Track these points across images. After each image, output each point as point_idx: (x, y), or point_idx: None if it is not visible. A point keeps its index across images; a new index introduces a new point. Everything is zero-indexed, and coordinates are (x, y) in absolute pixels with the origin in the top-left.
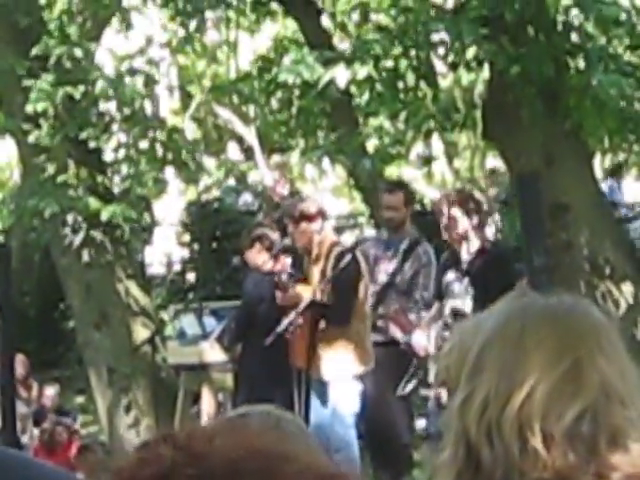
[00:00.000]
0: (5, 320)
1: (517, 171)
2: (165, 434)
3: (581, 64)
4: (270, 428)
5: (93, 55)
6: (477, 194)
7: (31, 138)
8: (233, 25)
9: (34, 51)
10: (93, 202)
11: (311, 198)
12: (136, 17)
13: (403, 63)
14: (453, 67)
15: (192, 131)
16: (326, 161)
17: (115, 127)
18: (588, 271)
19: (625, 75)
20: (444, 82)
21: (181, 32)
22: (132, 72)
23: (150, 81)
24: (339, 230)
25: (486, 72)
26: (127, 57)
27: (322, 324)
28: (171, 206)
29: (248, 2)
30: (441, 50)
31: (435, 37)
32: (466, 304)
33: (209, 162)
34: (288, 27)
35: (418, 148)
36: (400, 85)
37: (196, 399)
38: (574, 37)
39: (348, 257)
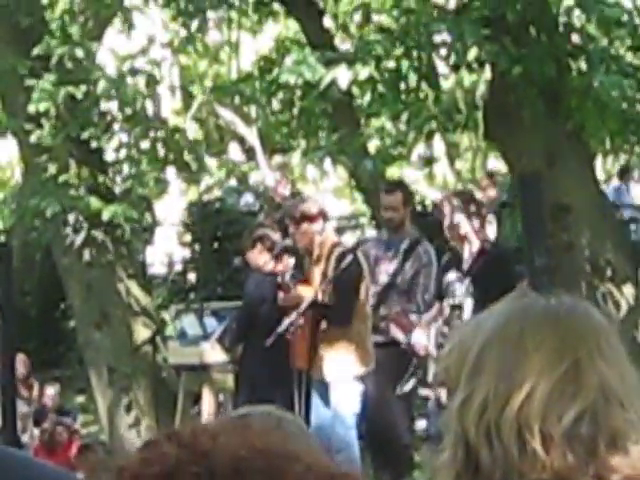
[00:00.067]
0: (6, 320)
1: (519, 172)
2: (169, 432)
3: (583, 65)
4: (272, 428)
5: (94, 55)
6: (478, 195)
7: (33, 138)
8: (235, 25)
9: (36, 51)
10: (94, 202)
11: (312, 199)
12: (138, 17)
13: (405, 64)
14: (455, 68)
15: (194, 131)
16: (327, 162)
17: (117, 127)
18: (589, 272)
19: (627, 76)
20: (446, 83)
21: (183, 32)
22: (134, 72)
23: (152, 81)
24: (340, 231)
25: (488, 73)
26: (129, 57)
27: (323, 325)
28: (172, 206)
29: (250, 2)
30: (443, 51)
31: (437, 38)
32: (467, 304)
33: (210, 162)
34: (290, 28)
35: (420, 149)
36: (402, 86)
37: (197, 399)
38: (576, 38)
39: (349, 258)
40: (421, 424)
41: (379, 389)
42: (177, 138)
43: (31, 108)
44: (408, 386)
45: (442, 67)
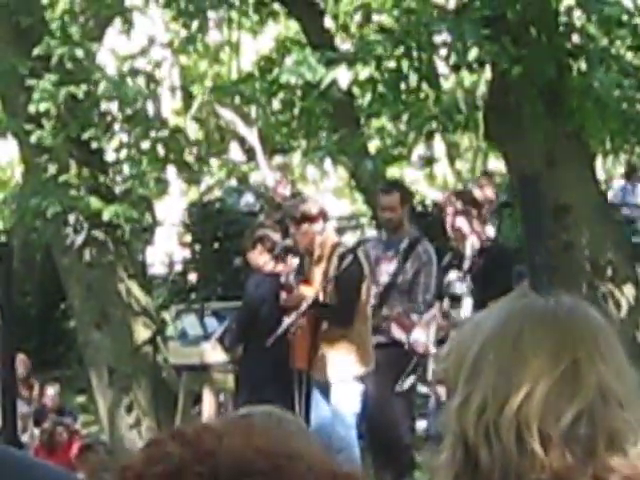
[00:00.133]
0: (6, 320)
1: (519, 172)
2: (173, 431)
3: (583, 65)
4: (274, 428)
5: (94, 55)
6: (478, 194)
7: (33, 138)
8: (235, 26)
9: (36, 51)
10: (95, 202)
11: (312, 199)
12: (138, 17)
13: (405, 64)
14: (455, 68)
15: (194, 131)
16: (328, 162)
17: (117, 127)
18: (589, 272)
19: (627, 76)
20: (446, 83)
21: (183, 32)
22: (134, 72)
23: (152, 81)
24: (340, 231)
25: (488, 73)
26: (129, 57)
27: (324, 325)
28: (173, 206)
29: (250, 3)
30: (443, 51)
31: (437, 38)
32: (467, 303)
33: (211, 163)
34: (290, 28)
35: (420, 149)
36: (402, 86)
37: (197, 400)
38: (576, 38)
39: (350, 258)
40: (422, 424)
41: (380, 389)
42: (177, 138)
43: (31, 108)
44: (407, 383)
45: (442, 67)
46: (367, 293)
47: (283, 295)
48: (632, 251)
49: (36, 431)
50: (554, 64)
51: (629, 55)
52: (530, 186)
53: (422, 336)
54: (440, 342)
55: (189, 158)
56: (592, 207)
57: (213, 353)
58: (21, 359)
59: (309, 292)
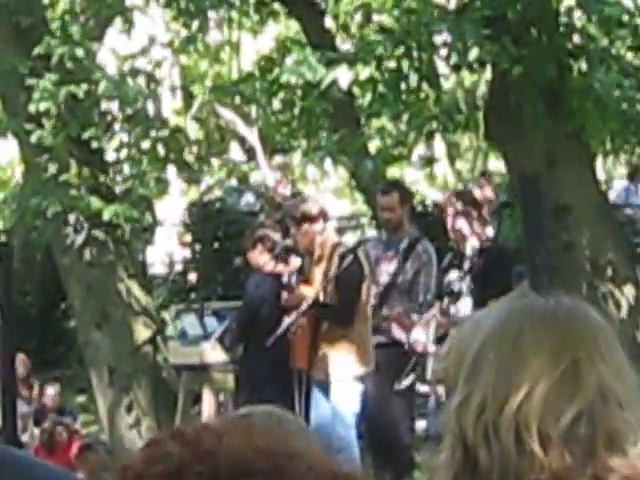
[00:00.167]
0: (6, 319)
1: (519, 172)
2: (173, 431)
3: (583, 66)
4: (274, 428)
5: (95, 55)
6: (478, 195)
7: (33, 138)
8: (236, 25)
9: (36, 51)
10: (95, 202)
11: (313, 199)
12: (139, 17)
13: (405, 64)
14: (456, 68)
15: (194, 131)
16: (328, 162)
17: (117, 127)
18: (589, 272)
19: (627, 76)
20: (446, 83)
21: (184, 32)
22: (134, 72)
23: (152, 81)
24: (341, 231)
25: (488, 73)
26: (130, 57)
27: (324, 325)
28: (173, 206)
29: (251, 2)
30: (444, 51)
31: (438, 38)
32: (466, 302)
33: (211, 162)
34: (291, 28)
35: (420, 149)
36: (402, 86)
37: (197, 399)
38: (576, 38)
39: (350, 258)
40: (421, 424)
41: (380, 389)
42: (178, 138)
43: (32, 108)
44: (407, 381)
45: (443, 67)
46: (367, 293)
47: (285, 295)
48: (634, 251)
49: (36, 431)
50: (554, 64)
51: (629, 55)
52: (530, 186)
53: (422, 335)
54: (439, 340)
55: (189, 158)
56: (592, 207)
57: (213, 353)
58: (21, 359)
59: (309, 292)
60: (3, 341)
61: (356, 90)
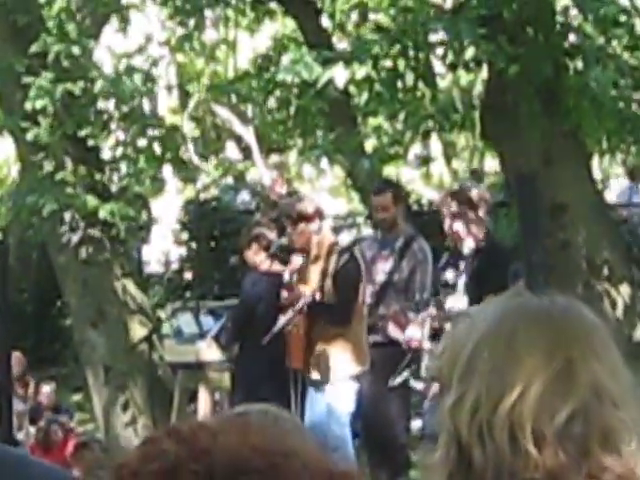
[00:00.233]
0: (2, 317)
1: (515, 171)
2: (169, 429)
3: (580, 65)
4: (270, 426)
5: (91, 53)
6: (473, 194)
7: (29, 136)
8: (232, 24)
9: (33, 49)
10: (91, 200)
11: (308, 198)
12: (135, 15)
13: (402, 63)
14: (452, 67)
15: (190, 130)
16: (324, 161)
17: (113, 125)
18: (585, 271)
19: (623, 75)
20: (443, 82)
21: (180, 30)
22: (131, 70)
23: (149, 79)
24: (337, 230)
25: (485, 72)
26: (126, 55)
27: (320, 324)
28: (169, 205)
29: (247, 1)
30: (440, 50)
31: (434, 37)
32: (463, 302)
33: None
34: (287, 26)
35: (416, 148)
36: (399, 85)
37: (193, 398)
38: (573, 37)
39: (346, 256)
40: (417, 423)
41: (375, 388)
42: (174, 136)
43: (28, 106)
44: (401, 378)
45: (439, 66)
46: (363, 292)
47: (284, 294)
48: (628, 250)
49: (32, 429)
50: (551, 63)
51: (625, 54)
52: (527, 185)
53: (417, 333)
54: (434, 334)
55: (186, 156)
56: (589, 206)
57: (209, 351)
58: (17, 357)
59: (306, 291)
60: None
61: (352, 89)
